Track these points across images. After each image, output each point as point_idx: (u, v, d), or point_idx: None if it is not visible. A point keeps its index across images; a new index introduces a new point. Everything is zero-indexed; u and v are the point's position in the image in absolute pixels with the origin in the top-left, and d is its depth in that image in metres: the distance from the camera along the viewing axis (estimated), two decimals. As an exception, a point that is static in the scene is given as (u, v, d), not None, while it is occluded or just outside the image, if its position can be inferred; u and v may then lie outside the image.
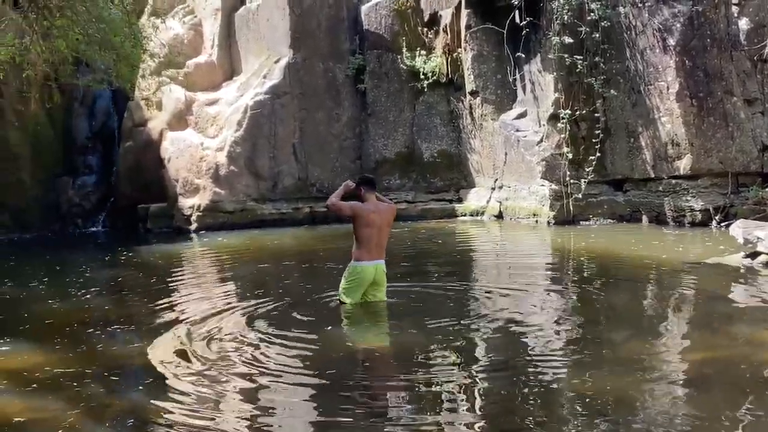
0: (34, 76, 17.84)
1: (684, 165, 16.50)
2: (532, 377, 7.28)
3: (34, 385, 7.47)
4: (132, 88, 21.54)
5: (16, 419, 6.68)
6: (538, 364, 7.71)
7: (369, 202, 9.97)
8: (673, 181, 16.79)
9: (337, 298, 10.20)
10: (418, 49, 21.01)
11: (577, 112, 17.45)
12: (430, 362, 7.92)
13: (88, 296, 12.07)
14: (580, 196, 17.56)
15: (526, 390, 6.96)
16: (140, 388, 7.48)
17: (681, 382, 7.14)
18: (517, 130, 18.97)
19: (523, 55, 18.50)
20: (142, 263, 15.97)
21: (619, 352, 7.98)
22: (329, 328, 9.49)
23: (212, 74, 22.75)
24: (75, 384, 7.47)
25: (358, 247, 9.91)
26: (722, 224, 15.91)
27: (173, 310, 10.62)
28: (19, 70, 17.18)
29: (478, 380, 7.40)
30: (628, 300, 10.64)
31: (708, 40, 16.24)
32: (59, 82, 18.21)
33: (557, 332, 8.93)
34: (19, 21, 17.34)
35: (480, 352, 8.28)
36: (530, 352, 8.15)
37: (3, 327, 10.08)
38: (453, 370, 7.72)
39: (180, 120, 21.82)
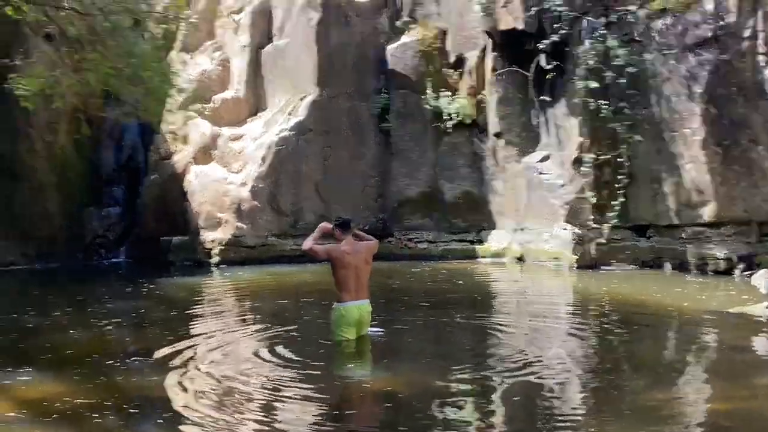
0: (64, 107, 18.09)
1: (708, 212, 16.42)
2: (550, 427, 7.23)
3: (55, 416, 7.49)
4: (159, 122, 21.76)
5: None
6: (557, 412, 7.66)
7: (344, 243, 10.12)
8: (697, 229, 16.70)
9: (332, 338, 10.27)
10: (443, 90, 21.10)
11: (601, 157, 17.44)
12: (448, 407, 7.84)
13: (109, 327, 12.14)
14: (603, 240, 17.49)
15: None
16: (159, 421, 7.49)
17: (702, 432, 7.08)
18: (541, 173, 18.96)
19: (548, 99, 18.55)
20: (164, 296, 16.05)
21: (639, 400, 7.90)
22: (350, 365, 9.53)
23: (238, 109, 22.95)
24: (95, 415, 7.49)
25: (339, 289, 10.09)
26: (745, 273, 15.80)
27: (193, 344, 10.63)
28: (49, 102, 17.42)
29: (495, 428, 7.35)
30: (649, 347, 10.56)
31: (734, 88, 16.23)
32: (88, 115, 18.43)
33: (577, 379, 8.86)
34: (51, 54, 17.64)
35: (497, 397, 8.21)
36: (549, 399, 8.09)
37: (25, 356, 10.18)
38: (470, 415, 7.67)
39: (205, 154, 22.00)
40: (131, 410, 7.87)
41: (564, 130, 18.47)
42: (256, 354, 9.95)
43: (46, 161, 21.65)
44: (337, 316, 10.15)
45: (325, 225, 10.39)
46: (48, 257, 21.47)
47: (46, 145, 21.57)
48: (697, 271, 16.54)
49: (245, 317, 13.74)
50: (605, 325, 12.06)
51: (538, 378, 8.79)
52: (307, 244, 10.12)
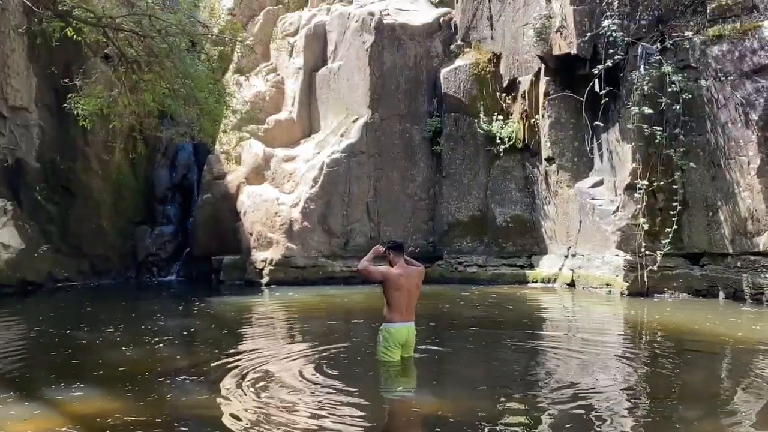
0: (120, 127, 18.40)
1: (764, 242, 16.13)
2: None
3: (106, 431, 7.59)
4: (213, 142, 22.06)
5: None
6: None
7: (397, 266, 10.39)
8: (752, 258, 16.41)
9: (377, 357, 10.43)
10: (496, 114, 21.08)
11: (655, 183, 17.24)
12: None
13: (160, 345, 12.27)
14: (655, 268, 17.26)
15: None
16: (208, 440, 7.56)
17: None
18: (593, 199, 18.83)
19: (602, 124, 18.43)
20: (214, 314, 16.19)
21: (690, 431, 7.78)
22: (399, 388, 9.52)
23: (291, 131, 23.19)
24: (145, 433, 7.60)
25: (390, 310, 10.31)
26: (802, 304, 15.49)
27: (242, 364, 10.70)
28: (105, 121, 17.76)
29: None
30: (701, 377, 10.39)
31: (792, 116, 15.98)
32: (143, 134, 18.73)
33: (628, 407, 8.76)
34: (109, 74, 17.99)
35: (545, 425, 8.11)
36: (599, 428, 7.99)
37: (78, 372, 10.34)
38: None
39: (258, 175, 22.24)
40: (182, 428, 7.96)
41: (617, 155, 18.32)
42: (304, 374, 10.00)
43: (102, 180, 22.08)
44: (386, 336, 10.32)
45: (379, 247, 10.59)
46: (101, 274, 21.88)
47: (102, 164, 22.01)
48: (752, 301, 16.24)
49: (294, 337, 13.80)
50: (657, 354, 11.87)
51: (589, 406, 8.69)
52: (363, 264, 10.40)
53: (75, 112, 16.60)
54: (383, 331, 10.36)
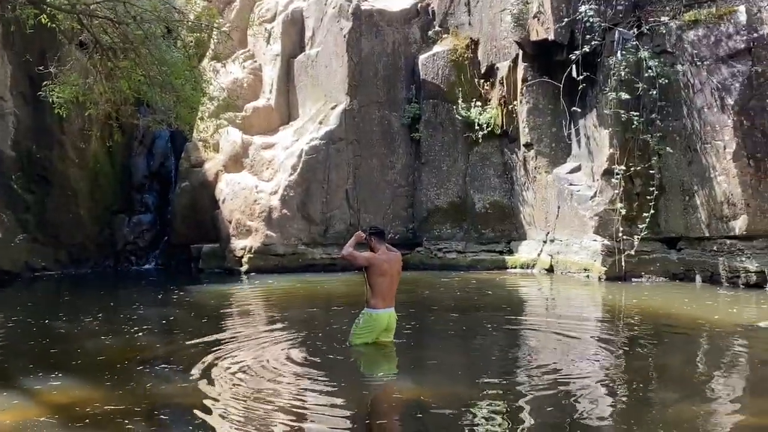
0: (96, 114, 18.24)
1: (739, 225, 16.27)
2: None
3: (86, 421, 7.58)
4: (190, 130, 21.89)
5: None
6: (586, 424, 7.62)
7: (380, 252, 10.47)
8: (728, 242, 16.55)
9: (348, 340, 10.59)
10: (474, 100, 21.10)
11: (632, 168, 17.33)
12: (477, 419, 7.84)
13: (139, 334, 12.23)
14: (632, 252, 17.38)
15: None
16: (189, 428, 7.53)
17: (733, 447, 7.01)
18: (571, 184, 18.91)
19: (579, 110, 18.49)
20: (194, 303, 16.14)
21: (669, 414, 7.84)
22: (379, 374, 9.55)
23: (269, 118, 23.09)
24: (126, 421, 7.56)
25: (373, 296, 10.40)
26: (778, 287, 15.64)
27: (222, 351, 10.70)
28: (81, 109, 17.60)
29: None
30: (679, 360, 10.47)
31: (767, 100, 16.09)
32: (120, 122, 18.58)
33: (607, 391, 8.81)
34: (84, 61, 17.82)
35: (525, 410, 8.12)
36: (578, 411, 8.04)
37: (56, 361, 10.29)
38: (500, 427, 7.65)
39: (236, 162, 22.15)
40: (161, 416, 7.95)
41: (594, 141, 18.40)
42: (284, 361, 10.01)
43: (79, 168, 21.91)
44: (367, 321, 10.43)
45: (361, 234, 10.65)
46: (79, 263, 21.76)
47: (78, 152, 21.83)
48: (728, 284, 16.39)
49: (274, 325, 13.76)
50: (635, 338, 11.96)
51: (568, 389, 8.74)
52: (347, 250, 10.41)
53: (50, 100, 16.42)
54: (365, 315, 10.45)
